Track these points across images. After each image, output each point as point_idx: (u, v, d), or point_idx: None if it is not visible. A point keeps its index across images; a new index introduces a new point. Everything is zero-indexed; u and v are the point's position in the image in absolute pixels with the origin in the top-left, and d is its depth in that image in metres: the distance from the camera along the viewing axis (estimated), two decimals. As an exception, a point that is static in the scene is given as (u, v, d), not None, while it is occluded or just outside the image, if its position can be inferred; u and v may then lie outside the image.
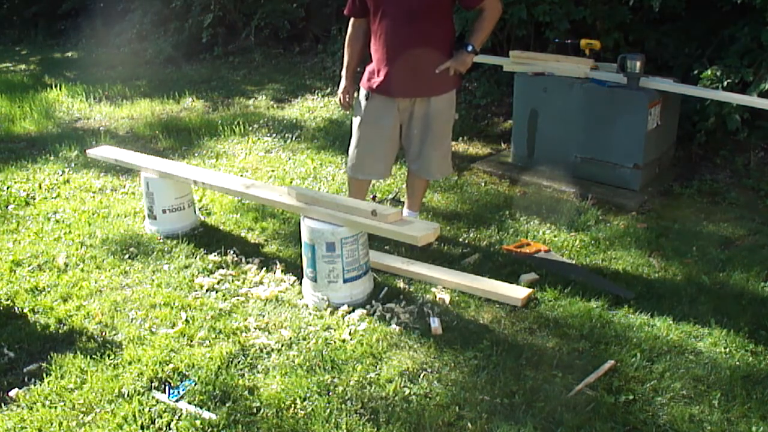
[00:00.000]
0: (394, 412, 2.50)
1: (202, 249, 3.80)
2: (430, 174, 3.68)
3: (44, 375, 2.77)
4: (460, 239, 3.89)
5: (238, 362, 2.82)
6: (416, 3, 3.28)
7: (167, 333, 3.03)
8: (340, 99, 3.71)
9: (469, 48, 3.38)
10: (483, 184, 4.78)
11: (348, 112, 4.06)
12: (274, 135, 5.92)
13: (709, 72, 4.64)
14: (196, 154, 5.53)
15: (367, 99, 3.56)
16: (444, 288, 3.35)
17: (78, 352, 2.90)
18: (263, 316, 3.16)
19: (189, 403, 2.58)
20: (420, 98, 3.46)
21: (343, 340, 2.94)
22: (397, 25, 3.33)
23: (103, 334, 3.06)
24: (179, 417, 2.51)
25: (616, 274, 3.49)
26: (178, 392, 2.63)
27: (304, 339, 2.98)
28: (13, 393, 2.68)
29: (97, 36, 10.28)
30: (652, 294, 3.28)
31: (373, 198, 4.48)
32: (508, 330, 3.01)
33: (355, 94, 3.69)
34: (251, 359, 2.84)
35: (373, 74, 3.49)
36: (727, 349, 2.84)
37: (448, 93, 3.50)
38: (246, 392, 2.64)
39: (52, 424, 2.50)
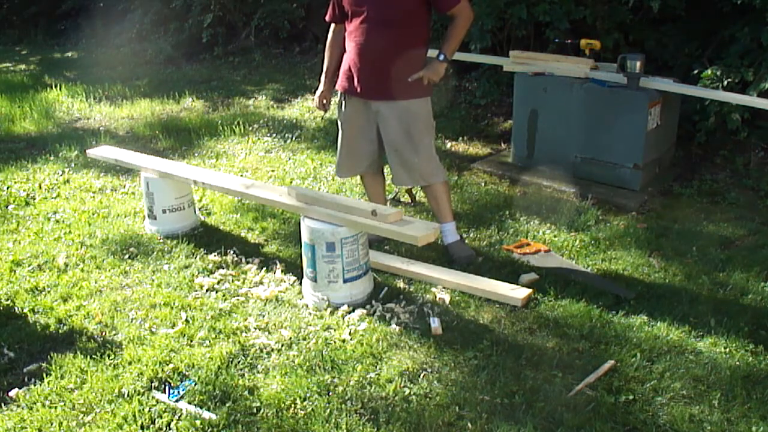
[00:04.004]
0: (394, 412, 2.50)
1: (202, 249, 3.80)
2: (413, 180, 3.62)
3: (44, 375, 2.77)
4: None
5: (238, 362, 2.82)
6: (393, 8, 3.31)
7: (167, 333, 3.03)
8: (316, 102, 3.77)
9: (441, 57, 3.40)
10: (483, 184, 4.78)
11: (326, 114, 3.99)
12: (274, 135, 5.92)
13: (709, 72, 4.65)
14: (196, 154, 5.53)
15: (342, 100, 3.62)
16: (444, 288, 3.35)
17: (78, 352, 2.90)
18: (263, 316, 3.16)
19: (189, 403, 2.58)
20: (392, 101, 3.44)
21: (343, 340, 2.94)
22: (372, 30, 3.35)
23: (103, 334, 3.06)
24: (179, 417, 2.51)
25: (616, 274, 3.49)
26: (178, 392, 2.63)
27: (304, 339, 2.98)
28: (13, 393, 2.68)
29: (97, 36, 10.27)
30: (652, 294, 3.28)
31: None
32: (508, 330, 3.01)
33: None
34: (251, 359, 2.84)
35: (346, 76, 3.53)
36: (727, 349, 2.84)
37: (422, 99, 3.48)
38: (246, 392, 2.64)
39: (52, 424, 2.50)
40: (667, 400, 2.55)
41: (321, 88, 3.74)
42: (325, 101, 3.76)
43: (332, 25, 3.66)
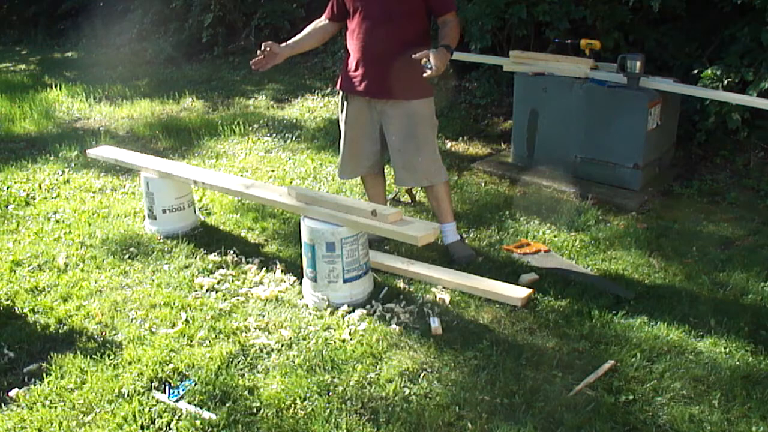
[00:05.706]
0: (394, 412, 2.50)
1: (202, 249, 3.80)
2: (416, 180, 3.61)
3: (44, 375, 2.77)
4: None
5: (238, 362, 2.82)
6: (395, 6, 3.30)
7: (167, 333, 3.03)
8: (263, 53, 3.50)
9: (447, 47, 3.32)
10: (483, 184, 4.78)
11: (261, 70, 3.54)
12: (274, 135, 5.92)
13: (709, 71, 4.64)
14: (196, 154, 5.53)
15: (344, 100, 3.61)
16: (444, 288, 3.35)
17: (78, 352, 2.90)
18: (263, 316, 3.16)
19: (189, 403, 2.58)
20: (396, 101, 3.43)
21: (343, 340, 2.94)
22: (374, 27, 3.35)
23: (103, 334, 3.06)
24: (179, 417, 2.51)
25: (616, 274, 3.49)
26: (178, 392, 2.63)
27: (304, 339, 2.98)
28: (13, 393, 2.68)
29: (97, 36, 10.27)
30: (652, 294, 3.28)
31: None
32: (508, 330, 3.01)
33: (338, 97, 3.71)
34: (251, 359, 2.84)
35: (348, 75, 3.51)
36: (727, 349, 2.84)
37: (426, 99, 3.47)
38: (246, 392, 2.64)
39: (52, 424, 2.50)
40: (667, 400, 2.55)
41: (278, 45, 3.53)
42: (268, 55, 3.49)
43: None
